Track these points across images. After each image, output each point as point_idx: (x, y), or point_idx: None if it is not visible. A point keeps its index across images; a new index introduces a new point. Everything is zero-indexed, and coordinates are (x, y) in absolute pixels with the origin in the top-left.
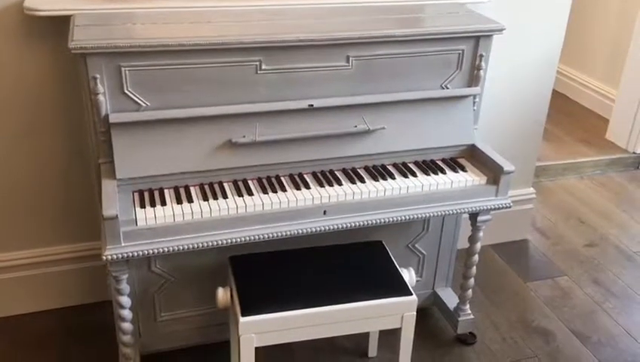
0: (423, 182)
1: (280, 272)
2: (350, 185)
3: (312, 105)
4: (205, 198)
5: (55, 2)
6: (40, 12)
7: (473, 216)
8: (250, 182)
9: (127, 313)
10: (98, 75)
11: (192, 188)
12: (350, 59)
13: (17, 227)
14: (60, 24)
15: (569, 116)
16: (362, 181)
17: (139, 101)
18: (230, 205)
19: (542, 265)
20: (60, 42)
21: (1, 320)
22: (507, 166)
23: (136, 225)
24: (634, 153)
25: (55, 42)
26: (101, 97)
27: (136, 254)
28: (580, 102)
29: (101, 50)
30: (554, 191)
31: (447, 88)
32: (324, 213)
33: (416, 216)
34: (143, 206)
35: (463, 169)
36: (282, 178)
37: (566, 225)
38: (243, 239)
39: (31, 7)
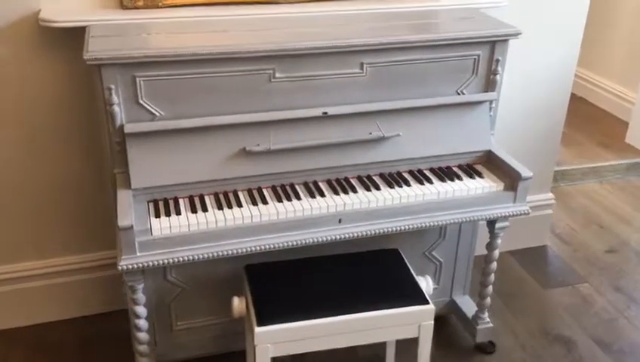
0: (439, 189)
1: (296, 281)
2: (365, 192)
3: (326, 113)
4: (220, 207)
5: (70, 13)
6: (56, 23)
7: (491, 223)
8: (264, 190)
9: (142, 322)
10: (113, 86)
11: (206, 198)
12: (364, 66)
13: (33, 237)
14: (76, 35)
15: (587, 120)
16: (377, 188)
17: (153, 111)
18: (245, 214)
19: (562, 272)
20: (75, 53)
21: (17, 329)
22: (525, 172)
23: (152, 234)
24: None
25: (70, 53)
26: (116, 107)
27: (151, 264)
28: (598, 106)
29: (116, 60)
30: (573, 196)
31: (463, 94)
32: (340, 221)
33: (432, 224)
34: (157, 215)
35: (480, 175)
36: (297, 186)
37: (586, 230)
38: (258, 248)
39: (47, 18)
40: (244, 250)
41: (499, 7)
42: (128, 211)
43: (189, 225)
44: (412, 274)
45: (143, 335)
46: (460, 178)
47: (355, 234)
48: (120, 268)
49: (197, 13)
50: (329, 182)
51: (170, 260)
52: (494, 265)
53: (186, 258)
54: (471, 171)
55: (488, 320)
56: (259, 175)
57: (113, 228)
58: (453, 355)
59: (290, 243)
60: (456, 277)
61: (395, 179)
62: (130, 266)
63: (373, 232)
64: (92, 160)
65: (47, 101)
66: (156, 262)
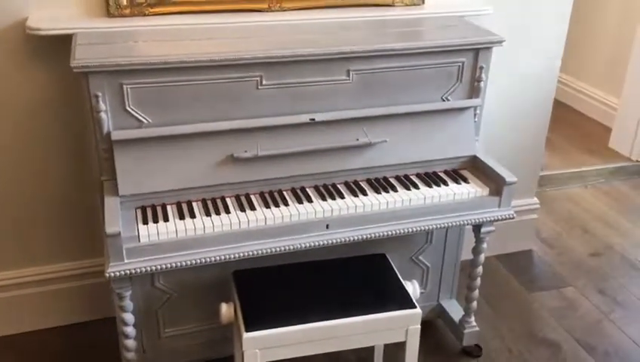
0: (425, 194)
1: (283, 287)
2: (352, 198)
3: (313, 120)
4: (208, 214)
5: (57, 21)
6: (42, 31)
7: (476, 228)
8: (252, 196)
9: (130, 330)
10: (100, 93)
11: (194, 204)
12: (351, 73)
13: (20, 244)
14: (62, 43)
15: (571, 125)
16: (364, 194)
17: (141, 118)
18: (233, 220)
19: (547, 276)
20: (62, 61)
21: (5, 338)
22: (509, 177)
23: (139, 241)
24: (637, 161)
25: (57, 61)
26: (103, 115)
27: (139, 270)
28: (581, 111)
29: (103, 68)
30: (558, 201)
31: (448, 100)
32: (327, 226)
33: (419, 229)
34: (145, 222)
35: (465, 180)
36: (284, 192)
37: (570, 234)
38: (246, 254)
39: (33, 26)
40: (232, 256)
41: (483, 15)
42: (116, 218)
43: (176, 231)
44: (399, 279)
45: (130, 343)
46: (445, 183)
47: (343, 240)
48: (108, 274)
49: (184, 21)
50: (316, 188)
51: (158, 267)
52: (480, 269)
53: (173, 264)
54: (456, 176)
55: (475, 323)
56: (246, 181)
57: (100, 236)
58: (441, 359)
59: (277, 249)
60: (442, 281)
61: (381, 185)
62: (118, 273)
63: (360, 237)
64: (79, 167)
65: (33, 108)
66: (144, 269)
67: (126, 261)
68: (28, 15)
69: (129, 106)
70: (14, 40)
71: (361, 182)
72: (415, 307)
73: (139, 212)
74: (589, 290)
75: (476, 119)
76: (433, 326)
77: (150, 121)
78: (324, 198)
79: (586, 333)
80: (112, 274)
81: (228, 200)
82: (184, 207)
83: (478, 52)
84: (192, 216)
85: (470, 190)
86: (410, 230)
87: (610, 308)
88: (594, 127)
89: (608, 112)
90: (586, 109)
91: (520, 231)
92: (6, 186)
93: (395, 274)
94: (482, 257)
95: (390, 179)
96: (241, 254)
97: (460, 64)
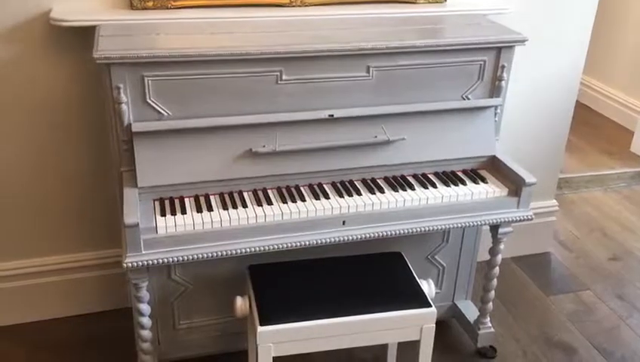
0: (442, 193)
1: (299, 282)
2: (370, 195)
3: (332, 116)
4: (225, 207)
5: (81, 13)
6: (66, 23)
7: (494, 228)
8: (269, 191)
9: (146, 320)
10: (121, 85)
11: (212, 197)
12: (371, 69)
13: (38, 234)
14: (85, 34)
15: (593, 128)
16: (382, 191)
17: (161, 110)
18: (250, 214)
19: (564, 279)
20: (84, 52)
21: (20, 326)
22: (529, 178)
23: (157, 233)
24: None
25: (80, 52)
26: (124, 106)
27: (156, 262)
28: (603, 114)
29: (125, 60)
30: (577, 204)
31: (469, 99)
32: (343, 223)
33: (435, 228)
34: (163, 214)
35: (484, 180)
36: (302, 188)
37: (589, 238)
38: (262, 248)
39: (57, 17)
40: (248, 249)
41: (505, 13)
42: (134, 209)
43: (194, 224)
44: (414, 277)
45: (146, 333)
46: (464, 183)
47: (359, 237)
48: (125, 265)
49: (206, 14)
50: (334, 185)
51: (175, 258)
52: (497, 270)
53: (190, 257)
54: (475, 176)
55: (490, 325)
56: (264, 176)
57: (118, 227)
58: (455, 359)
59: (293, 244)
60: (458, 281)
61: (399, 183)
62: (135, 264)
63: (376, 235)
64: (99, 158)
65: (56, 99)
66: (161, 260)
67: (143, 252)
68: (52, 6)
69: (150, 98)
70: (38, 31)
71: (378, 180)
72: (430, 306)
73: (157, 204)
74: (607, 295)
75: (496, 119)
76: (448, 326)
77: (170, 113)
78: (341, 195)
79: (602, 338)
80: (130, 265)
81: (245, 194)
82: (202, 200)
83: (500, 51)
84: (210, 209)
85: (488, 190)
86: (427, 229)
87: (628, 313)
88: (615, 130)
89: (631, 115)
90: (607, 112)
91: (538, 233)
92: (28, 176)
93: (411, 272)
94: (499, 258)
95: (408, 177)
96: (257, 248)
97: (482, 62)
